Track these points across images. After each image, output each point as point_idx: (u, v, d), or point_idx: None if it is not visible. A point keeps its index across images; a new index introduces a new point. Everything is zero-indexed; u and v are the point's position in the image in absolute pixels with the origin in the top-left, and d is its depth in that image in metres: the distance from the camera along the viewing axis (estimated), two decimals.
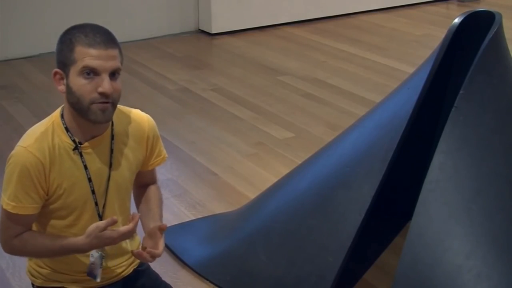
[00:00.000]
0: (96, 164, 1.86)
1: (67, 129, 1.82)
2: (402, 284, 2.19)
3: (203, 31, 6.40)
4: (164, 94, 4.85)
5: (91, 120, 1.77)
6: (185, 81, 5.12)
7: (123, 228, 1.79)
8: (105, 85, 1.72)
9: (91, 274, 1.91)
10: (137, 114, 1.96)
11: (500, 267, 2.16)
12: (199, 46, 6.12)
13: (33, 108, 4.51)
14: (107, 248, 1.91)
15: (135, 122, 1.92)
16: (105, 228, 1.76)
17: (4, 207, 1.80)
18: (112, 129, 1.87)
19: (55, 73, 1.77)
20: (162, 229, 1.87)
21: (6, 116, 4.41)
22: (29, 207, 1.80)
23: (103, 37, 1.74)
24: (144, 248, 1.86)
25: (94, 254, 1.90)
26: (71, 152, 1.82)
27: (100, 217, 1.90)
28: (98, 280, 1.92)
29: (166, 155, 2.05)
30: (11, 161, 1.79)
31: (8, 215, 1.81)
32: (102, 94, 1.73)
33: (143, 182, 2.07)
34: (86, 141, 1.83)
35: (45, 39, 5.52)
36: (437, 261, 2.17)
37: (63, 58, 1.75)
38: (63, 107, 1.85)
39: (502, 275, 2.14)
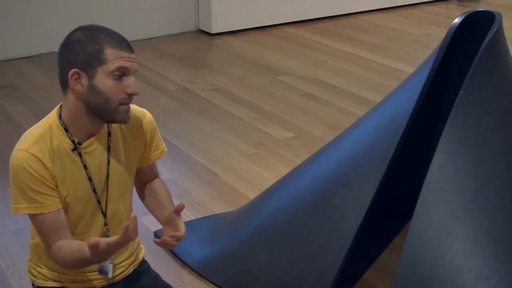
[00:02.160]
0: (95, 163, 1.86)
1: (66, 130, 1.81)
2: (402, 284, 2.19)
3: (203, 31, 6.40)
4: (164, 94, 4.85)
5: (117, 120, 1.80)
6: (185, 81, 5.12)
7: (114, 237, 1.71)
8: (135, 86, 1.78)
9: (102, 271, 1.93)
10: (134, 109, 1.95)
11: (499, 267, 2.16)
12: (199, 46, 6.12)
13: (33, 108, 4.51)
14: None
15: (133, 117, 1.92)
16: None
17: (25, 212, 1.78)
18: (108, 127, 1.88)
19: (74, 73, 1.74)
20: (178, 210, 1.81)
21: (6, 116, 4.41)
22: (48, 205, 1.77)
23: (125, 40, 1.78)
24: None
25: None
26: (71, 153, 1.82)
27: (104, 215, 1.90)
28: (110, 276, 1.94)
29: (166, 149, 2.04)
30: (13, 168, 1.77)
31: (35, 220, 1.79)
32: (130, 95, 1.78)
33: (145, 179, 2.06)
34: (84, 140, 1.83)
35: (45, 39, 5.52)
36: (437, 261, 2.17)
37: (87, 58, 1.72)
38: (59, 107, 1.84)
39: (502, 275, 2.14)
